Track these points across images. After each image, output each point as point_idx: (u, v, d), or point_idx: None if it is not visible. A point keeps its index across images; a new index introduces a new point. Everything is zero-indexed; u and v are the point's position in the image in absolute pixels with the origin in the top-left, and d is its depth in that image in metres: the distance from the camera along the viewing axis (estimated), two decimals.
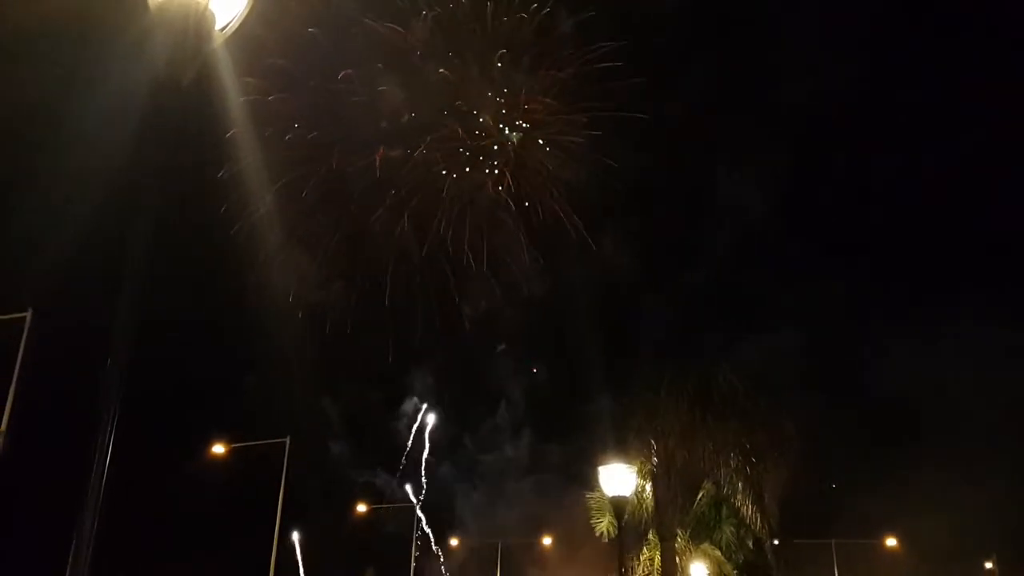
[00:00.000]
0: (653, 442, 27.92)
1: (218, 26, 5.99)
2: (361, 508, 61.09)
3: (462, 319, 58.81)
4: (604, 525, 29.80)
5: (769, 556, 32.92)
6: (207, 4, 5.81)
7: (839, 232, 72.91)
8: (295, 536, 57.82)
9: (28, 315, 25.88)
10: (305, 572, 59.08)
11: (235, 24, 6.11)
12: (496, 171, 32.55)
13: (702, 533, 31.87)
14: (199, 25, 5.75)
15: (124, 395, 5.12)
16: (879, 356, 73.21)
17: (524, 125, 32.82)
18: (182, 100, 5.56)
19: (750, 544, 33.11)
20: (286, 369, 55.21)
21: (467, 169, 31.86)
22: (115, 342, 5.13)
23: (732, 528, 32.18)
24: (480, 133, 31.04)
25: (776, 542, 35.05)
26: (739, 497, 28.86)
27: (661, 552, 27.22)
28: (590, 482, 29.65)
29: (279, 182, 44.07)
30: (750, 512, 28.72)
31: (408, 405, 74.76)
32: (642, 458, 27.14)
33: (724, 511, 31.94)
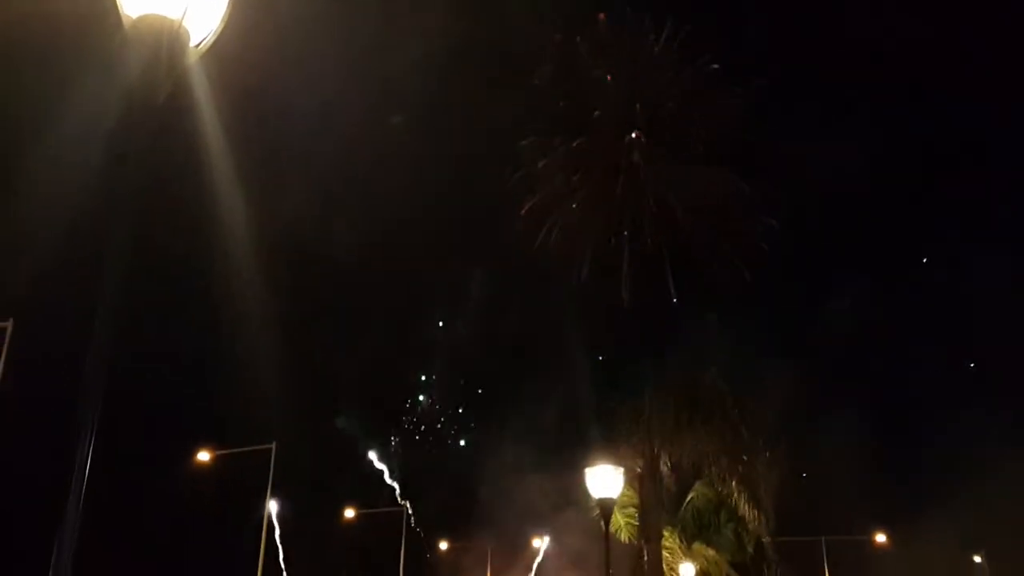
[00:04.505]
0: (638, 444, 28.08)
1: (192, 43, 6.06)
2: (349, 513, 60.86)
3: None
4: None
5: (770, 551, 33.18)
6: (181, 21, 5.86)
7: None
8: (279, 542, 57.78)
9: (8, 325, 25.85)
10: None
11: (209, 41, 6.18)
12: None
13: (694, 533, 32.10)
14: (173, 42, 5.80)
15: (105, 403, 5.21)
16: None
17: None
18: (155, 117, 5.64)
19: (749, 548, 33.39)
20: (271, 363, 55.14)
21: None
22: (93, 351, 5.21)
23: (731, 530, 32.48)
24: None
25: (766, 540, 35.36)
26: (735, 497, 29.09)
27: (647, 553, 27.34)
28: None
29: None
30: (748, 510, 28.95)
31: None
32: (629, 461, 27.24)
33: (723, 514, 32.19)
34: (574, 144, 29.01)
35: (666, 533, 29.55)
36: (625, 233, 28.50)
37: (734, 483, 28.88)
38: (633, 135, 28.25)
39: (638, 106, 28.49)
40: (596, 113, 28.99)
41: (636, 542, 29.52)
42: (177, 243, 42.76)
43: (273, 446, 42.30)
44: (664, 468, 28.82)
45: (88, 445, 5.03)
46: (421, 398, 79.09)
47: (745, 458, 28.78)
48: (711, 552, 31.82)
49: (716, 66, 28.59)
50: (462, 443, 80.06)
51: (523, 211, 29.40)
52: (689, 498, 31.89)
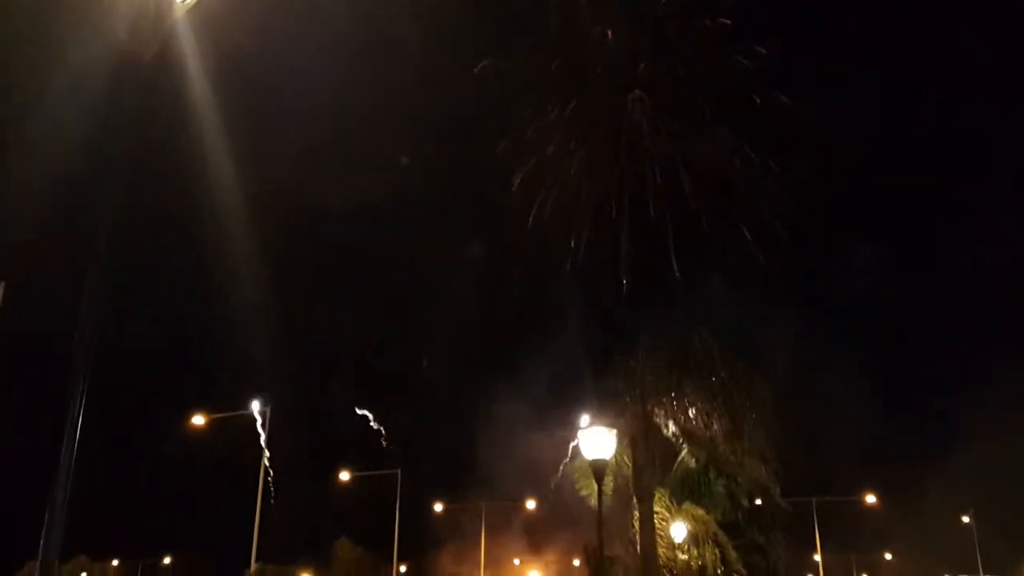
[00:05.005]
0: (631, 405, 28.14)
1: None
2: (344, 476, 61.01)
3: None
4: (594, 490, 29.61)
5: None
6: None
7: None
8: (274, 505, 57.99)
9: (0, 288, 25.67)
10: (283, 541, 59.30)
11: None
12: None
13: (684, 493, 32.31)
14: None
15: (97, 369, 5.16)
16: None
17: None
18: (144, 73, 5.54)
19: (744, 502, 33.65)
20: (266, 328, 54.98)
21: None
22: (84, 316, 5.15)
23: (722, 488, 32.66)
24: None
25: (759, 502, 35.59)
26: (738, 455, 29.23)
27: (639, 513, 27.52)
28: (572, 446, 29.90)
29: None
30: (756, 466, 29.08)
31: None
32: (621, 422, 27.22)
33: (712, 473, 32.39)
34: (570, 107, 28.39)
35: (657, 495, 29.71)
36: (625, 201, 27.89)
37: (723, 442, 28.97)
38: (636, 93, 27.44)
39: (642, 65, 27.68)
40: (597, 69, 28.16)
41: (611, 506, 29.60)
42: (167, 204, 42.44)
43: (268, 410, 42.40)
44: (655, 427, 28.87)
45: (79, 409, 4.99)
46: (417, 360, 79.13)
47: (743, 417, 28.83)
48: (700, 512, 32.03)
49: (727, 21, 27.45)
50: (458, 405, 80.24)
51: (516, 183, 28.74)
52: (680, 458, 32.06)
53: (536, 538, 70.64)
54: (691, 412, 28.84)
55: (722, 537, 32.08)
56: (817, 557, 62.65)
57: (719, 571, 32.00)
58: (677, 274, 27.62)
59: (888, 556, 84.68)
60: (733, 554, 32.11)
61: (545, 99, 28.85)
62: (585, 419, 30.17)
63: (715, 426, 28.74)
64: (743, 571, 32.67)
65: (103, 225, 5.35)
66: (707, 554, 31.78)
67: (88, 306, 5.25)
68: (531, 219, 28.55)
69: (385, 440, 70.68)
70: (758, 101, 27.06)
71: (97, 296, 5.28)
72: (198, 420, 42.50)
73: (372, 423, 70.52)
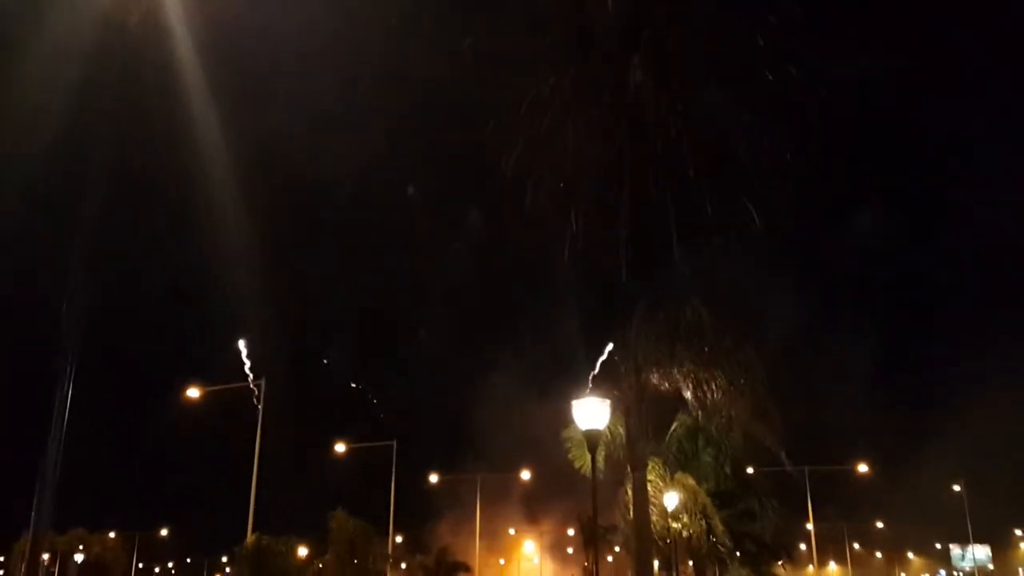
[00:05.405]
0: (625, 375, 28.14)
1: None
2: (340, 448, 61.25)
3: None
4: (587, 461, 29.76)
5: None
6: None
7: None
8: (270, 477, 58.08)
9: None
10: (279, 513, 59.49)
11: None
12: None
13: (678, 463, 32.47)
14: None
15: (88, 341, 5.11)
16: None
17: None
18: (129, 38, 5.46)
19: (727, 470, 33.80)
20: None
21: None
22: (73, 285, 5.11)
23: (709, 458, 32.80)
24: None
25: (750, 470, 35.76)
26: (714, 424, 29.28)
27: (633, 482, 27.58)
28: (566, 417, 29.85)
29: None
30: (758, 431, 29.19)
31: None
32: (616, 392, 27.15)
33: (700, 441, 32.54)
34: (568, 75, 27.97)
35: (650, 464, 29.78)
36: (626, 174, 27.52)
37: (724, 406, 28.96)
38: (637, 59, 26.94)
39: (645, 30, 27.20)
40: (599, 31, 27.65)
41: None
42: (155, 169, 42.06)
43: (263, 381, 42.32)
44: (650, 395, 28.87)
45: (69, 380, 4.95)
46: (414, 333, 79.29)
47: (741, 381, 28.79)
48: (691, 482, 32.22)
49: None
50: (455, 378, 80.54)
51: (514, 156, 28.32)
52: (673, 428, 32.22)
53: (532, 509, 71.22)
54: (688, 381, 28.81)
55: (710, 508, 32.26)
56: (809, 525, 63.21)
57: (703, 542, 32.32)
58: (675, 250, 27.49)
59: (880, 524, 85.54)
60: (720, 527, 32.29)
61: (543, 67, 28.43)
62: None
63: (714, 391, 28.66)
64: (728, 544, 32.86)
65: (89, 193, 5.29)
66: (694, 525, 32.00)
67: (76, 277, 5.19)
68: (528, 193, 28.31)
69: (382, 412, 70.89)
70: (771, 76, 26.58)
71: (84, 265, 5.22)
72: (193, 393, 42.51)
73: (369, 395, 70.72)
